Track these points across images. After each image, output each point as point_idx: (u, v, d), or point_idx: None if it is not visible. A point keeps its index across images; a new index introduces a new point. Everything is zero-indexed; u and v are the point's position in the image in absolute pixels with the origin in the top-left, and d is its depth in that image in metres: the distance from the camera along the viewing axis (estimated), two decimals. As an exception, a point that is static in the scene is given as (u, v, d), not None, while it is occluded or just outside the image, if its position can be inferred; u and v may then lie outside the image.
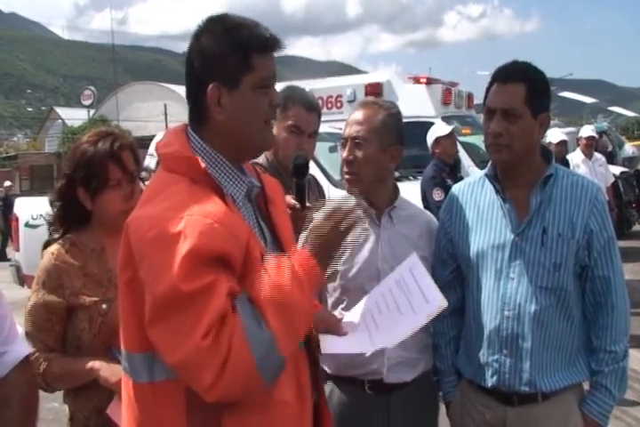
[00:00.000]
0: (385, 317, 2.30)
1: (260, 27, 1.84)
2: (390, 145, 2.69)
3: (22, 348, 2.23)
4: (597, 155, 10.06)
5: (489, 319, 2.56)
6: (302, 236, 2.56)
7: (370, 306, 2.36)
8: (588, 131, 10.09)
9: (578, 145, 10.15)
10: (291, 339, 1.69)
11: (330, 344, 2.17)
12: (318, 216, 1.90)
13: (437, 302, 2.19)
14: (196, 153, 1.82)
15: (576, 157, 9.83)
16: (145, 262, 1.65)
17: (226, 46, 1.79)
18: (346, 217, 1.85)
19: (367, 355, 2.21)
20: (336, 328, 2.23)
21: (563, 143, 9.00)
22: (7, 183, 22.53)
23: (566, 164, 8.86)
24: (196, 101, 1.85)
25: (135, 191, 2.59)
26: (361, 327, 2.29)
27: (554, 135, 9.09)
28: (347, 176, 2.69)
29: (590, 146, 9.84)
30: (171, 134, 1.91)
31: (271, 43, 1.84)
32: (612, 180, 10.56)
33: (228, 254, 1.65)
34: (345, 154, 2.66)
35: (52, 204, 2.68)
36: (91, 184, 2.55)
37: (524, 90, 2.43)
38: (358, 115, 2.70)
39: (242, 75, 1.80)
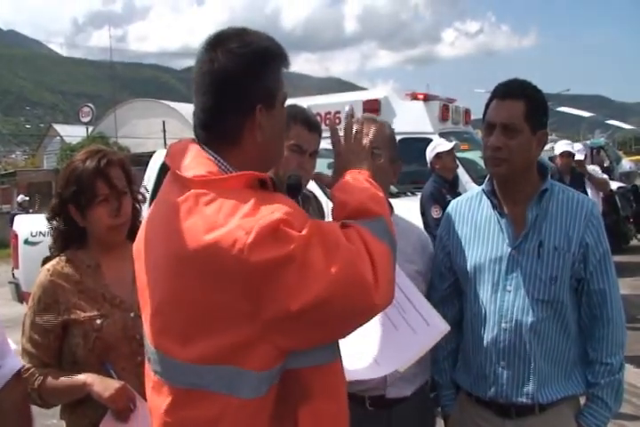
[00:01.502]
0: (380, 332, 2.29)
1: (276, 41, 1.84)
2: (395, 160, 2.74)
3: (16, 361, 2.25)
4: (590, 168, 10.04)
5: (486, 331, 2.57)
6: None
7: None
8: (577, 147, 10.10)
9: None
10: (391, 221, 1.86)
11: None
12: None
13: (440, 326, 2.19)
14: (222, 173, 1.75)
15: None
16: (261, 260, 1.57)
17: (265, 66, 1.77)
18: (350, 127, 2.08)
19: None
20: None
21: (569, 155, 8.86)
22: (20, 198, 22.50)
23: (579, 176, 8.82)
24: (229, 124, 1.78)
25: (123, 207, 2.61)
26: (353, 341, 2.29)
27: (563, 146, 8.94)
28: None
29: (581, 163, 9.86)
30: (185, 155, 1.81)
31: (286, 55, 1.86)
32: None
33: None
34: None
35: (49, 222, 2.70)
36: (80, 201, 2.57)
37: (524, 106, 2.47)
38: (367, 128, 2.71)
39: (278, 93, 1.81)
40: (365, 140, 2.10)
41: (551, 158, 13.51)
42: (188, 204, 1.71)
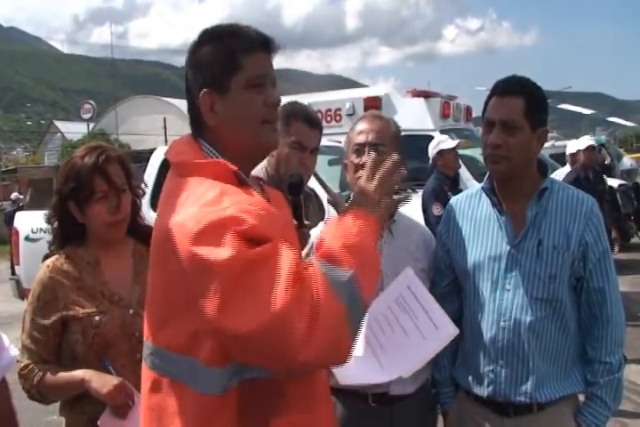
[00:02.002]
0: (390, 338, 2.29)
1: (247, 28, 1.84)
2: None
3: (11, 355, 2.27)
4: None
5: (485, 330, 2.57)
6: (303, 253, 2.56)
7: (370, 324, 2.36)
8: (572, 147, 10.12)
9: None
10: (370, 284, 1.66)
11: (344, 374, 2.17)
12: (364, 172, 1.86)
13: (448, 329, 2.18)
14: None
15: (563, 173, 9.89)
16: (199, 255, 1.57)
17: (212, 52, 1.81)
18: (395, 167, 1.84)
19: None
20: None
21: (594, 148, 8.62)
22: (14, 196, 22.66)
23: (600, 172, 8.75)
24: (193, 112, 1.87)
25: (122, 204, 2.61)
26: (364, 348, 2.29)
27: (588, 141, 8.76)
28: None
29: (577, 161, 9.88)
30: (181, 144, 1.90)
31: (257, 41, 1.83)
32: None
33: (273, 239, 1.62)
34: (365, 158, 2.61)
35: (48, 220, 2.70)
36: (79, 197, 2.58)
37: (523, 103, 2.46)
38: (373, 124, 2.72)
39: (230, 77, 1.80)
40: (392, 185, 1.85)
41: (552, 156, 13.48)
42: (169, 189, 1.80)
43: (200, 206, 1.62)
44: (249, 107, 1.81)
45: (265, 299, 1.50)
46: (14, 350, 2.32)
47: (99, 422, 2.42)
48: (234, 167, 1.76)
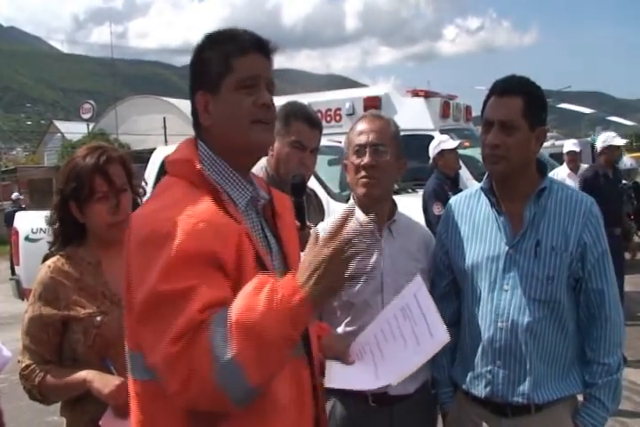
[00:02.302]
0: (391, 346, 2.29)
1: (243, 32, 1.90)
2: (401, 157, 2.75)
3: (5, 353, 2.28)
4: (584, 166, 10.06)
5: (483, 330, 2.56)
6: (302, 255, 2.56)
7: (376, 333, 2.36)
8: (569, 146, 10.14)
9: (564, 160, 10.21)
10: (261, 368, 1.54)
11: (335, 377, 2.17)
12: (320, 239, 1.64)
13: (442, 337, 2.19)
14: (202, 160, 1.87)
15: (562, 172, 9.90)
16: (132, 262, 1.69)
17: (209, 55, 1.87)
18: (353, 239, 1.60)
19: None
20: (344, 356, 2.25)
21: (616, 147, 8.41)
22: (15, 196, 22.73)
23: (619, 171, 8.72)
24: (194, 113, 1.92)
25: (122, 204, 2.62)
26: (367, 357, 2.29)
27: (616, 139, 8.48)
28: (365, 180, 2.66)
29: (573, 160, 9.91)
30: (182, 144, 1.96)
31: (250, 43, 1.88)
32: None
33: (216, 254, 1.64)
34: (367, 159, 2.64)
35: (49, 222, 2.71)
36: (80, 197, 2.59)
37: (522, 103, 2.46)
38: (373, 124, 2.73)
39: (222, 78, 1.85)
40: (350, 257, 1.60)
41: (552, 155, 13.48)
42: (156, 187, 1.88)
43: (155, 209, 1.72)
44: (238, 107, 1.85)
45: (157, 343, 1.57)
46: (7, 351, 2.32)
47: (100, 423, 2.42)
48: (198, 166, 1.82)
